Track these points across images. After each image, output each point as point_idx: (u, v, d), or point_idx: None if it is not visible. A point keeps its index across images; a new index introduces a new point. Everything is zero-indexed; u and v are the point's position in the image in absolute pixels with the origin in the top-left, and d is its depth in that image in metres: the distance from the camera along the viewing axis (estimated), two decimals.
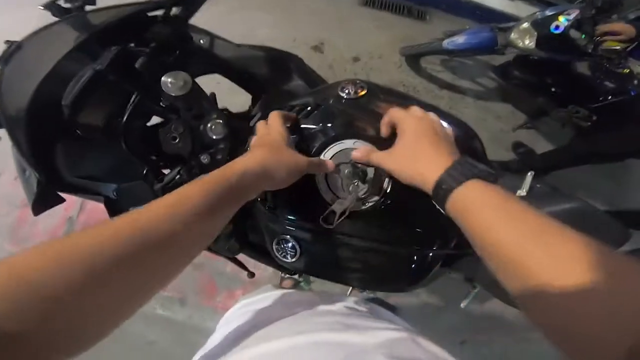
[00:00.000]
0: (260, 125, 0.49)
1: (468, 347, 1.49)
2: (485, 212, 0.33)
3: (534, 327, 0.26)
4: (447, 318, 1.46)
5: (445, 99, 2.02)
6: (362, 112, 0.53)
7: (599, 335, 0.21)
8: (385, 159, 0.46)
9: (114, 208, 0.52)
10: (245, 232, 0.63)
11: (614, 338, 0.20)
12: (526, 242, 0.28)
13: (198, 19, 0.62)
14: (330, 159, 0.50)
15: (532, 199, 0.89)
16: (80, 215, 1.62)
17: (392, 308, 0.51)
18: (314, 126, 0.52)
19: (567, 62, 1.53)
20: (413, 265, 0.54)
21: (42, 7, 0.54)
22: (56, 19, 0.54)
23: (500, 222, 0.31)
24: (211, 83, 0.67)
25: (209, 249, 0.60)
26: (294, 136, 0.51)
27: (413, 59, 2.01)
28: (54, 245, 0.24)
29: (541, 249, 0.27)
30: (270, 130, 0.47)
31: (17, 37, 0.51)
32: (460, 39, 1.64)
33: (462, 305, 0.96)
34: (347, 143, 0.50)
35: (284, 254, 0.55)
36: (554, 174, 1.67)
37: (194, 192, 0.33)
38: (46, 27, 0.51)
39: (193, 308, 1.53)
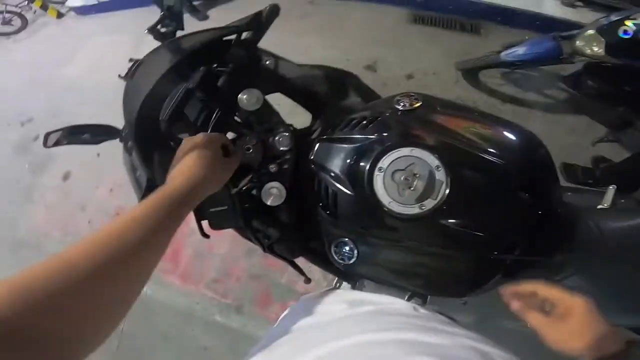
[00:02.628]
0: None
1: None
2: None
3: None
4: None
5: (509, 114, 1.89)
6: (418, 123, 0.55)
7: None
8: (548, 328, 0.46)
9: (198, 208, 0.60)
10: (306, 237, 0.67)
11: None
12: None
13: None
14: (389, 165, 0.52)
15: (615, 211, 0.81)
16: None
17: (450, 317, 0.50)
18: (371, 136, 0.55)
19: None
20: (475, 271, 0.53)
21: (147, 31, 0.66)
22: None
23: None
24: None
25: (272, 252, 0.65)
26: None
27: (471, 73, 1.95)
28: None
29: None
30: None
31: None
32: (520, 50, 1.56)
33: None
34: (404, 151, 0.52)
35: (341, 257, 0.58)
36: None
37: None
38: (156, 49, 0.63)
39: (248, 316, 1.59)
